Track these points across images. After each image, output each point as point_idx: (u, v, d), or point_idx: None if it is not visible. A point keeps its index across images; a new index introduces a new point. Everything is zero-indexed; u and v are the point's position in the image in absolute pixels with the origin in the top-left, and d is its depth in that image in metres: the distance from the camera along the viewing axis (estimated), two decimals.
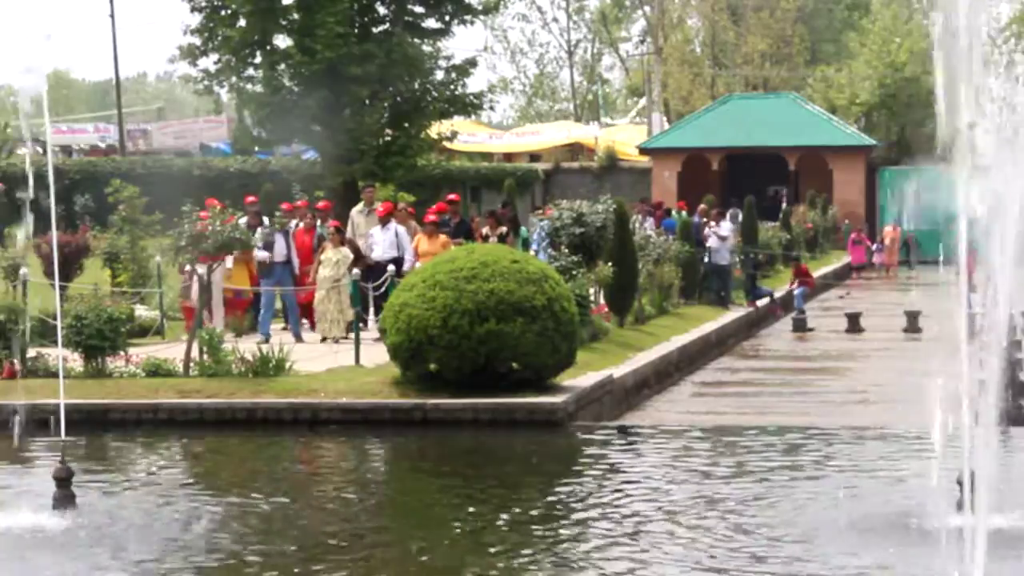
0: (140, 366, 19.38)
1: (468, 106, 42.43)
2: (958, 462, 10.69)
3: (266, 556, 11.63)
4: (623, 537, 12.07)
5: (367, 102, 40.20)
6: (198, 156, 64.61)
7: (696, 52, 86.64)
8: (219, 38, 40.24)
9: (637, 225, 30.34)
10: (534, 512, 13.22)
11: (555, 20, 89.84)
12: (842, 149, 59.26)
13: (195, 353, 19.44)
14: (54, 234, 16.27)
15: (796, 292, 34.49)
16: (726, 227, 32.96)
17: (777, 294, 35.35)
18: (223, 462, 16.86)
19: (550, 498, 13.90)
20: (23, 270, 21.93)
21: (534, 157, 67.19)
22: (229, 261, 22.05)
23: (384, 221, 24.98)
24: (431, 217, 25.40)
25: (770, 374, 25.93)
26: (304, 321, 24.60)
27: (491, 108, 54.12)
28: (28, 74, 13.22)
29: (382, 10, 41.36)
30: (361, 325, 21.26)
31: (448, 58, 42.43)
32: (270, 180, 46.57)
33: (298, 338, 23.19)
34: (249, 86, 41.25)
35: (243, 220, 22.71)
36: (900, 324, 31.02)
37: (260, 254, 23.70)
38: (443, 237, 24.51)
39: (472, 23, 42.89)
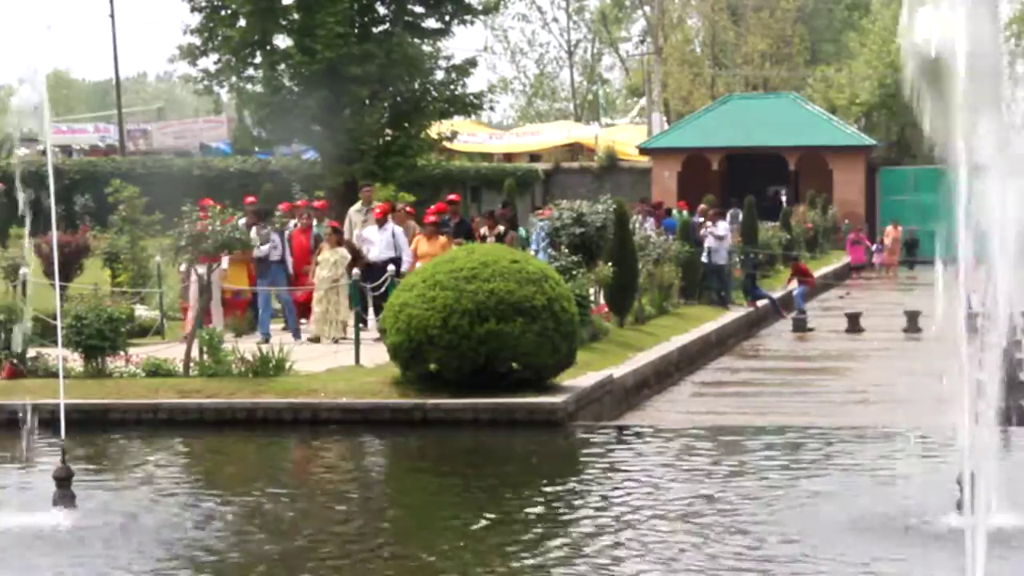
0: (140, 366, 19.37)
1: (468, 106, 42.48)
2: (958, 462, 10.69)
3: (266, 556, 11.63)
4: (623, 537, 12.06)
5: (367, 102, 40.23)
6: (198, 156, 64.63)
7: (696, 52, 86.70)
8: (219, 38, 40.29)
9: (637, 225, 30.33)
10: (534, 512, 13.22)
11: (555, 20, 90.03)
12: (842, 149, 59.29)
13: (195, 353, 19.44)
14: (54, 234, 16.26)
15: (796, 292, 34.50)
16: (723, 227, 33.00)
17: (776, 294, 35.32)
18: (223, 462, 16.86)
19: (550, 498, 13.90)
20: (23, 270, 21.94)
21: (534, 157, 67.22)
22: (225, 261, 22.02)
23: (381, 222, 24.92)
24: (431, 218, 25.40)
25: (770, 374, 25.93)
26: (304, 321, 24.60)
27: (491, 108, 54.22)
28: (25, 80, 13.21)
29: (382, 10, 41.40)
30: (361, 325, 21.25)
31: (448, 58, 42.48)
32: (270, 180, 46.63)
33: (296, 335, 23.19)
34: (249, 86, 41.30)
35: (242, 221, 22.71)
36: (900, 324, 31.03)
37: (262, 249, 23.63)
38: (443, 238, 24.51)
39: (472, 23, 42.96)
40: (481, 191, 59.45)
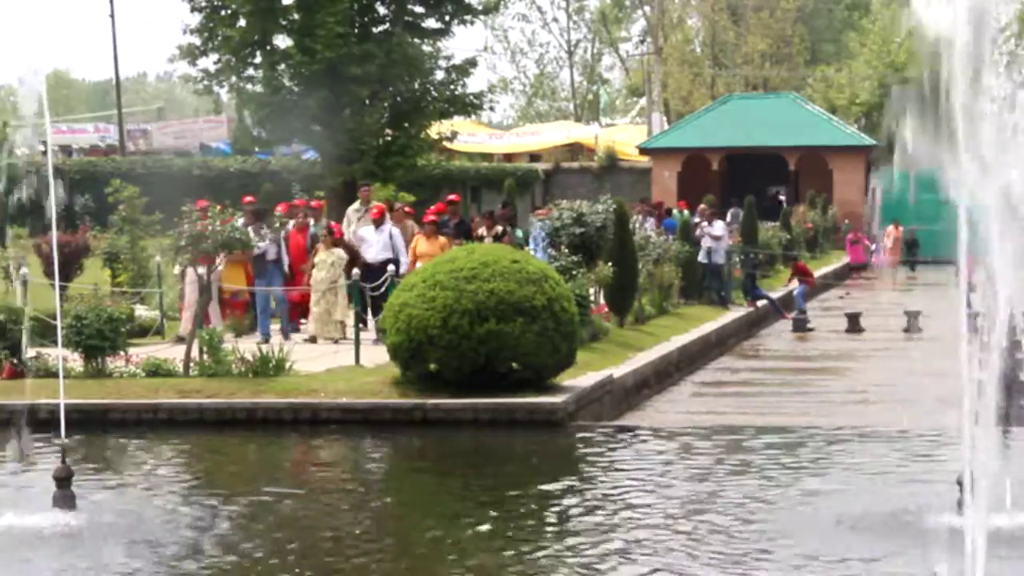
0: (140, 366, 19.37)
1: (468, 106, 42.51)
2: (958, 461, 10.69)
3: (265, 556, 11.63)
4: (623, 537, 12.06)
5: (367, 102, 40.25)
6: (198, 156, 64.63)
7: (696, 52, 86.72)
8: (219, 38, 40.32)
9: (637, 225, 30.33)
10: (534, 512, 13.22)
11: (555, 20, 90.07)
12: (842, 149, 59.29)
13: (195, 353, 19.44)
14: (54, 234, 16.26)
15: (796, 292, 34.49)
16: (719, 226, 33.02)
17: (776, 295, 35.31)
18: (223, 462, 16.85)
19: (550, 498, 13.90)
20: (23, 270, 21.94)
21: (534, 157, 67.22)
22: (220, 261, 21.98)
23: (378, 222, 24.84)
24: (430, 217, 25.38)
25: (770, 374, 25.93)
26: (303, 321, 24.57)
27: (491, 108, 54.26)
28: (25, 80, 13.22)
29: (382, 10, 41.43)
30: (361, 325, 21.24)
31: (448, 58, 42.52)
32: (270, 180, 46.61)
33: (286, 336, 22.98)
34: (249, 86, 41.33)
35: (240, 221, 22.66)
36: (900, 324, 31.04)
37: (260, 246, 23.56)
38: (442, 238, 24.49)
39: (472, 23, 43.01)
40: (481, 191, 59.46)
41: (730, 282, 33.48)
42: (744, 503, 13.17)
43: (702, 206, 38.28)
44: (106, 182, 36.95)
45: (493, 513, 13.08)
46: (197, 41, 40.51)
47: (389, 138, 40.84)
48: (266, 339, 22.01)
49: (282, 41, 40.79)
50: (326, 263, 23.65)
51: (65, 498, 12.77)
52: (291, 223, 25.12)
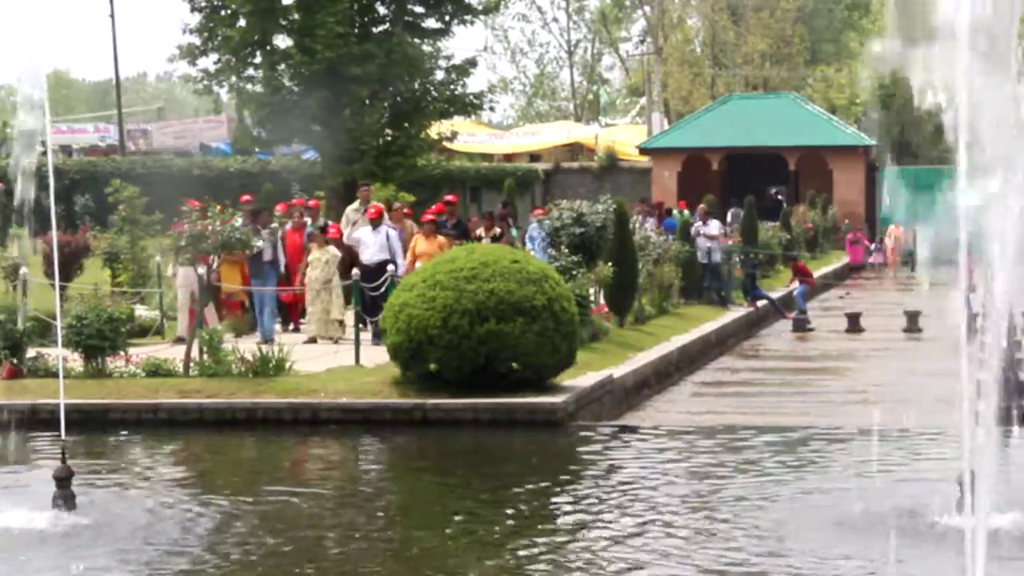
0: (140, 366, 19.37)
1: (468, 106, 42.53)
2: (958, 461, 10.69)
3: (265, 555, 11.64)
4: (622, 536, 12.06)
5: (367, 102, 40.27)
6: (198, 156, 64.65)
7: (696, 52, 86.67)
8: (219, 38, 40.33)
9: (637, 225, 30.34)
10: (534, 512, 13.23)
11: (555, 20, 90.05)
12: (842, 149, 59.29)
13: (195, 353, 19.44)
14: (54, 234, 16.27)
15: (796, 292, 34.49)
16: (715, 226, 33.03)
17: (776, 294, 35.31)
18: (223, 462, 16.86)
19: (550, 498, 13.91)
20: (23, 270, 21.94)
21: (534, 157, 67.22)
22: (215, 262, 21.96)
23: (375, 223, 24.74)
24: (428, 217, 25.36)
25: (770, 374, 25.93)
26: (303, 320, 24.56)
27: (491, 108, 54.06)
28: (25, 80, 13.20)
29: (382, 10, 41.44)
30: (360, 325, 21.23)
31: (448, 58, 42.54)
32: (270, 180, 46.65)
33: (268, 337, 22.68)
34: (249, 86, 41.34)
35: (239, 220, 22.64)
36: (900, 324, 31.04)
37: (258, 245, 23.52)
38: (441, 238, 24.48)
39: (472, 23, 43.03)
40: (481, 191, 59.46)
41: (730, 282, 33.50)
42: (743, 503, 13.16)
43: (702, 206, 38.30)
44: (106, 182, 36.92)
45: (492, 513, 13.08)
46: (197, 41, 40.52)
47: (389, 138, 40.85)
48: (267, 340, 21.94)
49: (282, 41, 40.81)
50: (320, 261, 23.63)
51: (65, 498, 12.78)
52: (288, 223, 25.12)
